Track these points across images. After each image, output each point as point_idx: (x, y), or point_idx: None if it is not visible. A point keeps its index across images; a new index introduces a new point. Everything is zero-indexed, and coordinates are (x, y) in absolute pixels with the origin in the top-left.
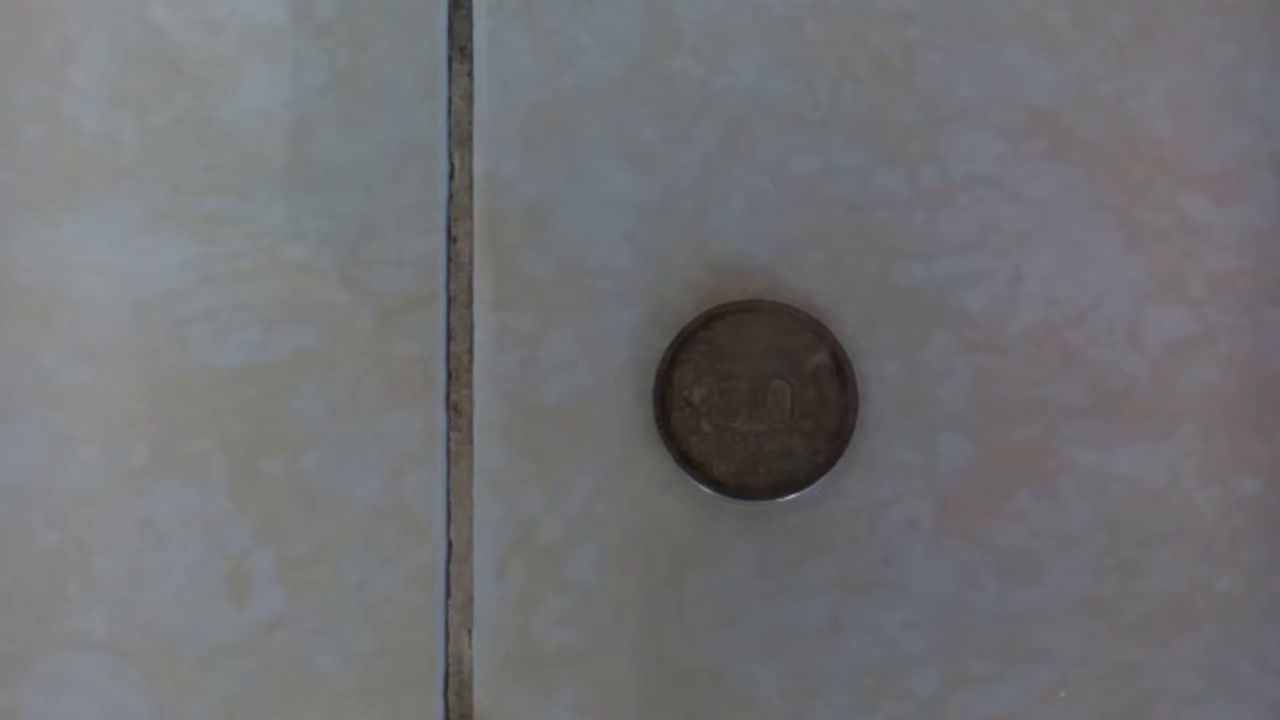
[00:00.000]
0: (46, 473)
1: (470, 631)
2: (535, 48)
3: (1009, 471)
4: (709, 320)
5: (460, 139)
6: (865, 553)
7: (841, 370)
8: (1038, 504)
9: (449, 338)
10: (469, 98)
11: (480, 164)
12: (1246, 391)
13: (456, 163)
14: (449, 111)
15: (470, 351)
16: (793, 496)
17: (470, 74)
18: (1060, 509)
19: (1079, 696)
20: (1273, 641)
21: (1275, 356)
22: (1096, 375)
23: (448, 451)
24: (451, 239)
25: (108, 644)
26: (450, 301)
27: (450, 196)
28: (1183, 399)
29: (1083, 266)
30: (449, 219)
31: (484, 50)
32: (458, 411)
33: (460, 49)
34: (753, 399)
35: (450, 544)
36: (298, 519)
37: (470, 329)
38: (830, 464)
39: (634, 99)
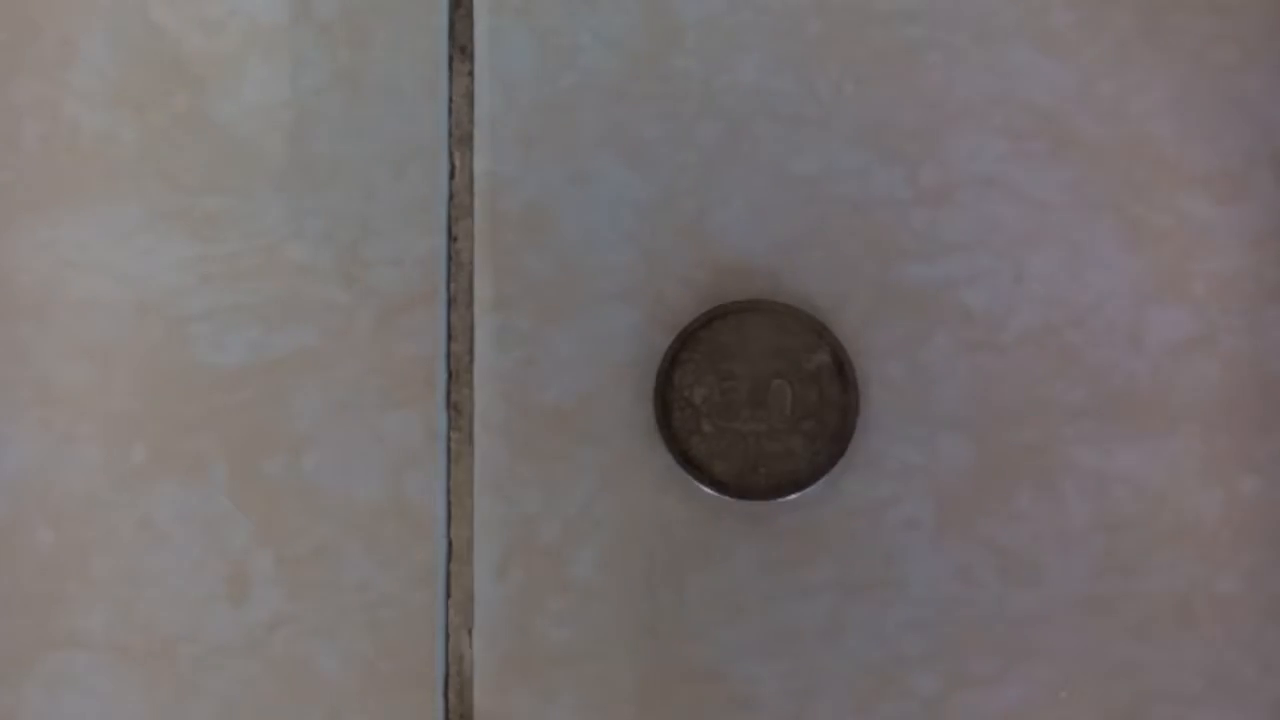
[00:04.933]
0: (46, 472)
1: (470, 631)
2: (535, 47)
3: (1009, 471)
4: (710, 320)
5: (460, 139)
6: (865, 553)
7: (842, 370)
8: (1038, 504)
9: (449, 337)
10: (469, 97)
11: (480, 164)
12: (1247, 391)
13: (457, 162)
14: (449, 111)
15: (470, 351)
16: (793, 496)
17: (470, 74)
18: (1060, 509)
19: (1079, 696)
20: (1273, 641)
21: (1276, 356)
22: (1097, 375)
23: (448, 451)
24: (452, 238)
25: (108, 644)
26: (450, 301)
27: (450, 196)
28: (1183, 399)
29: (1083, 266)
30: (449, 219)
31: (484, 50)
32: (458, 411)
33: (461, 48)
34: (753, 399)
35: (450, 544)
36: (298, 519)
37: (470, 329)
38: (831, 464)
39: (634, 99)
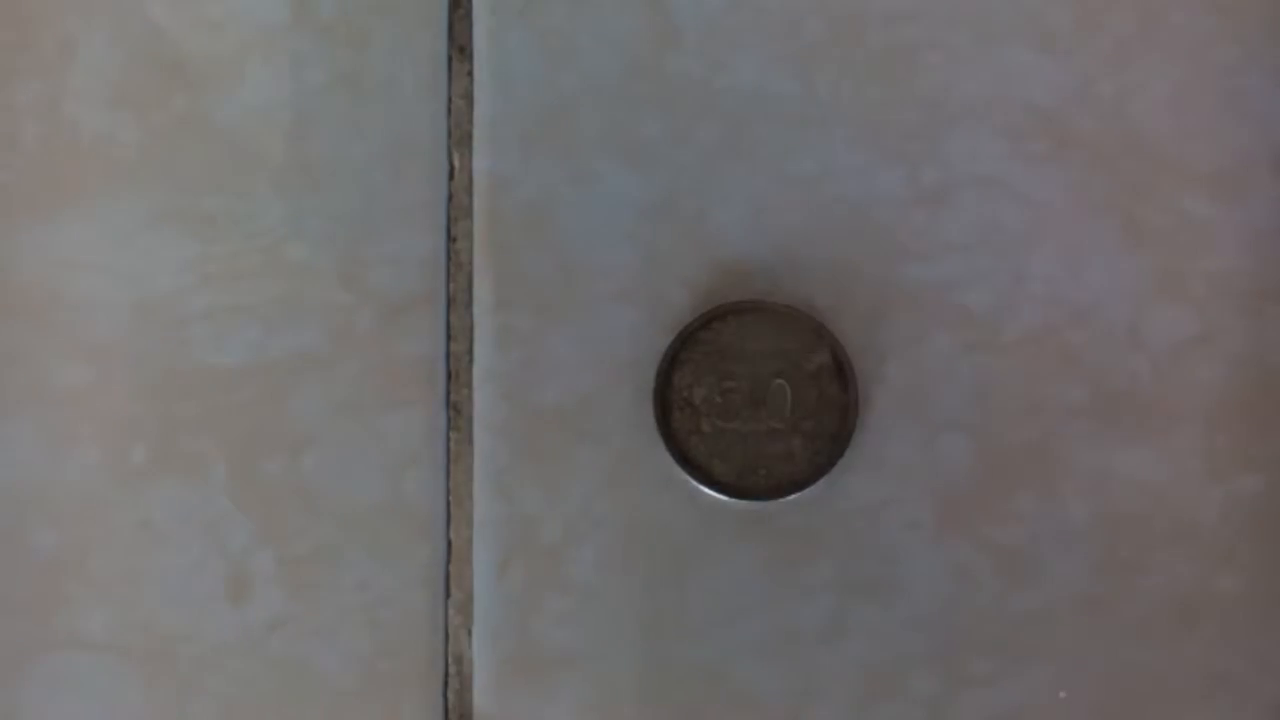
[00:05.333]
0: (45, 473)
1: (470, 631)
2: (535, 48)
3: (1009, 471)
4: (709, 320)
5: (460, 139)
6: (865, 553)
7: (842, 371)
8: (1038, 504)
9: (449, 338)
10: (469, 98)
11: (480, 164)
12: (1247, 391)
13: (456, 163)
14: (449, 111)
15: (470, 351)
16: (793, 497)
17: (470, 74)
18: (1060, 509)
19: (1079, 696)
20: (1273, 641)
21: (1276, 356)
22: (1097, 375)
23: (448, 451)
24: (451, 239)
25: (108, 644)
26: (450, 301)
27: (450, 196)
28: (1184, 399)
29: (1083, 266)
30: (449, 219)
31: (484, 50)
32: (458, 411)
33: (460, 49)
34: (753, 399)
35: (450, 544)
36: (298, 519)
37: (470, 329)
38: (831, 464)
39: (634, 99)
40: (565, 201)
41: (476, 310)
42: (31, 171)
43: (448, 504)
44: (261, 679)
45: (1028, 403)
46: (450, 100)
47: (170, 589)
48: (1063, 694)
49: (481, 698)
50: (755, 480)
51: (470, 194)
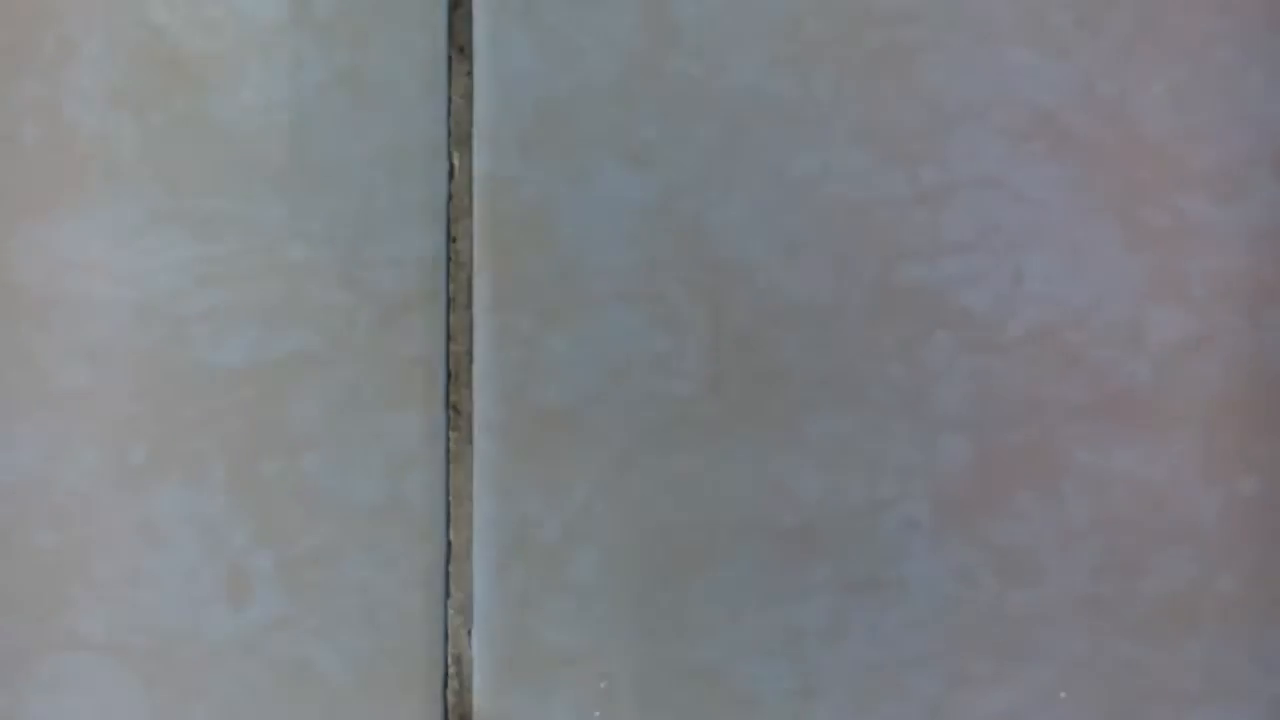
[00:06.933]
0: (46, 473)
1: (470, 631)
2: (535, 48)
3: (1009, 471)
4: None
5: (460, 139)
6: (865, 553)
7: None
8: (1038, 504)
9: (449, 338)
10: (469, 98)
11: (480, 164)
12: (1246, 391)
13: (456, 163)
14: (449, 111)
15: (470, 352)
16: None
17: (470, 74)
18: (1060, 509)
19: (1079, 696)
20: (1273, 641)
21: (1275, 356)
22: (1097, 375)
23: (448, 452)
24: (451, 239)
25: (108, 644)
26: (450, 302)
27: (450, 196)
28: (1183, 399)
29: (1083, 266)
30: (449, 219)
31: (484, 50)
32: (458, 411)
33: (460, 49)
34: None
35: (450, 544)
36: (298, 519)
37: (470, 329)
38: None
39: (634, 99)
40: (565, 201)
41: (476, 310)
42: (31, 172)
43: (447, 504)
44: (261, 679)
45: (1028, 403)
46: (450, 100)
47: (170, 589)
48: (1063, 694)
49: (481, 698)
50: None
51: (470, 194)
